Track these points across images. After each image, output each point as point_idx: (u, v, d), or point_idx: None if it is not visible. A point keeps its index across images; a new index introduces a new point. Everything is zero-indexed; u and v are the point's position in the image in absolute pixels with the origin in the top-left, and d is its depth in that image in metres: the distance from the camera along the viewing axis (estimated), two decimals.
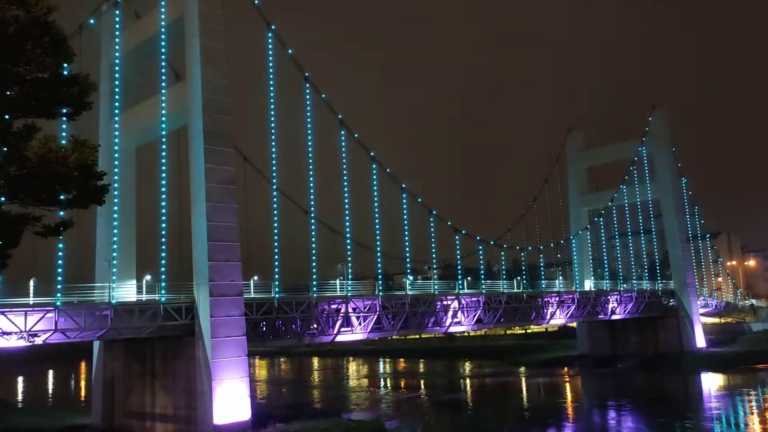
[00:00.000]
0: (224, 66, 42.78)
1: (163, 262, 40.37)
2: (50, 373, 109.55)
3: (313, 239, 47.79)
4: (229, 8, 44.52)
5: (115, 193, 42.43)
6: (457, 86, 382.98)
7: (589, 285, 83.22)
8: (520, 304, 65.15)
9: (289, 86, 49.23)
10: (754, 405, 53.35)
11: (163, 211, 41.29)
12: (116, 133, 44.73)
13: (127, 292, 42.32)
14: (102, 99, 46.80)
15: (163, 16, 43.67)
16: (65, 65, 25.15)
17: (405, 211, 55.67)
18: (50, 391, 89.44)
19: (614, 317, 79.21)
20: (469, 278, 62.83)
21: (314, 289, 46.65)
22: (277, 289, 44.10)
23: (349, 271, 50.82)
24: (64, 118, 27.82)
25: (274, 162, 46.19)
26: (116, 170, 43.80)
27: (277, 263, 44.23)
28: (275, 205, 45.66)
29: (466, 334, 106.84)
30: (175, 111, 42.89)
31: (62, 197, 25.13)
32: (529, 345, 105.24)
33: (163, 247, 40.87)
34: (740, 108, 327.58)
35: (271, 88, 46.81)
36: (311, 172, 48.00)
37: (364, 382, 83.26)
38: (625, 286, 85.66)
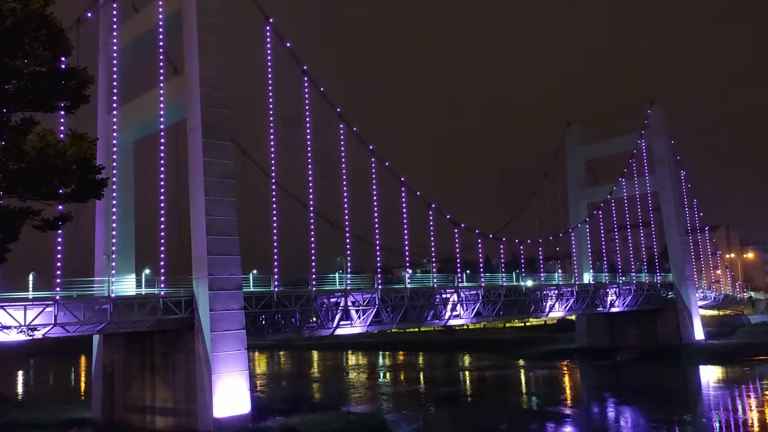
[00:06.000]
0: (222, 59, 42.67)
1: (162, 255, 40.39)
2: (50, 367, 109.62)
3: (312, 233, 47.78)
4: (227, 1, 44.41)
5: (114, 187, 42.40)
6: (456, 81, 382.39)
7: (588, 278, 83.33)
8: (519, 298, 65.25)
9: (288, 80, 49.12)
10: (752, 397, 53.56)
11: (162, 205, 41.30)
12: (114, 126, 44.61)
13: (126, 286, 42.37)
14: (100, 93, 46.77)
15: (161, 9, 43.54)
16: (63, 58, 25.03)
17: (404, 205, 55.68)
18: (50, 385, 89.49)
19: (613, 310, 79.35)
20: (468, 271, 62.87)
21: (313, 282, 46.68)
22: (276, 283, 44.13)
23: (348, 264, 50.82)
24: (63, 112, 27.74)
25: (273, 156, 46.16)
26: (115, 164, 43.73)
27: (276, 257, 44.26)
28: (274, 199, 45.67)
29: (465, 327, 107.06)
30: (174, 105, 42.80)
31: (61, 191, 25.05)
32: (528, 338, 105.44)
33: (162, 240, 40.89)
34: (740, 101, 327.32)
35: (270, 82, 46.67)
36: (310, 166, 47.96)
37: (364, 375, 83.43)
38: (623, 278, 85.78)
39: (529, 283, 68.96)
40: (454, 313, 58.44)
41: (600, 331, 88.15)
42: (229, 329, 39.11)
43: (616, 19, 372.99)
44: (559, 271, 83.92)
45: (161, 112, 42.49)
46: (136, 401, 42.58)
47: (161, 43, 43.53)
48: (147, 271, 43.81)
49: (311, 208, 47.79)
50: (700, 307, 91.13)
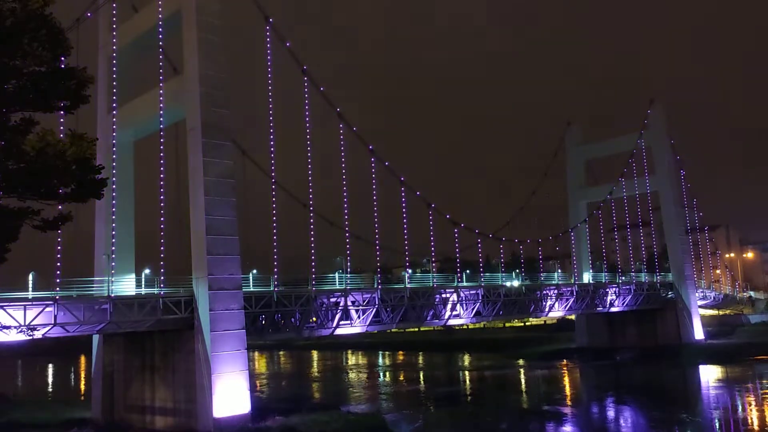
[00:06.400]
0: (222, 59, 42.66)
1: (162, 255, 40.38)
2: (50, 367, 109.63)
3: (312, 233, 47.80)
4: (227, 1, 44.42)
5: (114, 186, 42.35)
6: (455, 80, 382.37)
7: (587, 278, 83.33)
8: (518, 297, 65.26)
9: (288, 80, 49.16)
10: (752, 397, 53.56)
11: (162, 204, 41.29)
12: (114, 126, 44.61)
13: (126, 285, 42.34)
14: (99, 92, 46.75)
15: (160, 9, 43.52)
16: (62, 58, 25.05)
17: (404, 205, 55.68)
18: (50, 385, 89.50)
19: (613, 310, 79.35)
20: (467, 271, 62.89)
21: (313, 282, 46.68)
22: (276, 283, 44.12)
23: (348, 264, 50.84)
24: (62, 112, 27.78)
25: (273, 156, 46.21)
26: (114, 164, 43.71)
27: (276, 257, 44.28)
28: (274, 199, 45.70)
29: (464, 326, 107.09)
30: (173, 104, 42.79)
31: (61, 191, 25.06)
32: (528, 338, 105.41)
33: (162, 240, 40.88)
34: (740, 101, 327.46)
35: (270, 82, 46.67)
36: (310, 166, 47.98)
37: (364, 375, 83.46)
38: (623, 278, 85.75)
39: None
40: (454, 312, 58.43)
41: (600, 331, 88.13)
42: (229, 329, 39.10)
43: (616, 19, 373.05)
44: (559, 270, 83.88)
45: (161, 112, 42.47)
46: (136, 401, 42.56)
47: (161, 43, 43.51)
48: (147, 271, 43.81)
49: (311, 208, 47.81)
50: (700, 306, 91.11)
